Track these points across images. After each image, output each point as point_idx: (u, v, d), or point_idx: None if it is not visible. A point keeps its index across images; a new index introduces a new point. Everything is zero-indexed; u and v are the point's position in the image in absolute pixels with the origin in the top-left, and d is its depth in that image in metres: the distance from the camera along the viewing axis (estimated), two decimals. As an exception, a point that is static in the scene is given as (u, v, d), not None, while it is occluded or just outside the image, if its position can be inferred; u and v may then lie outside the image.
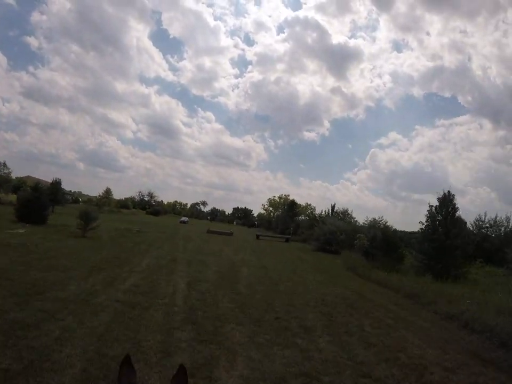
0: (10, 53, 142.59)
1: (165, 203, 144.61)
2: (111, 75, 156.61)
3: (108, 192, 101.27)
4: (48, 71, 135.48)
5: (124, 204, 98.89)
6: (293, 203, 74.54)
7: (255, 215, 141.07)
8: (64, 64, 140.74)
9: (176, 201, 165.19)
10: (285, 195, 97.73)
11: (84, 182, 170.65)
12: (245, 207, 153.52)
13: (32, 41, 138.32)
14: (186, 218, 75.21)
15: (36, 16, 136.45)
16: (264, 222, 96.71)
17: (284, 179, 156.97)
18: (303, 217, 71.43)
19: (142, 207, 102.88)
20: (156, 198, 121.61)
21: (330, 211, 52.23)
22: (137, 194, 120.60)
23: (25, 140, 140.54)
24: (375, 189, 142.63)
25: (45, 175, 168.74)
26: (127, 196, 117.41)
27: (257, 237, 45.51)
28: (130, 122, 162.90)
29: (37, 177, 71.78)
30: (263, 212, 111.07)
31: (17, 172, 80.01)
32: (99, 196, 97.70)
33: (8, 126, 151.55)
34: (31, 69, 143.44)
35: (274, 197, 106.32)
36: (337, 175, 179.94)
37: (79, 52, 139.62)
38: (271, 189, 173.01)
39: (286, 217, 67.86)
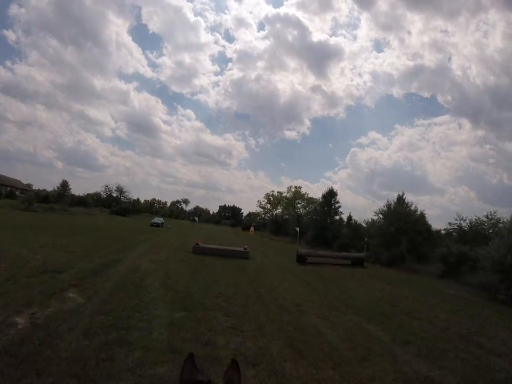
0: None
1: (142, 202, 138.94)
2: (89, 71, 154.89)
3: (64, 186, 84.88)
4: (26, 66, 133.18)
5: (82, 201, 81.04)
6: (333, 193, 49.86)
7: (244, 214, 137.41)
8: (41, 59, 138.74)
9: (154, 199, 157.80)
10: (295, 187, 79.78)
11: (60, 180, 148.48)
12: (233, 205, 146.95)
13: (10, 35, 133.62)
14: (161, 219, 58.51)
15: (14, 9, 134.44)
16: (268, 222, 78.28)
17: (265, 178, 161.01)
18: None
19: (108, 205, 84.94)
20: (126, 194, 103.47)
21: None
22: (103, 189, 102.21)
23: (2, 138, 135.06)
24: (355, 188, 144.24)
25: (22, 174, 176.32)
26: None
27: (301, 258, 24.05)
28: (109, 119, 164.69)
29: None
30: (259, 210, 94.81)
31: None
32: (53, 189, 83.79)
33: None
34: (8, 63, 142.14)
35: (273, 191, 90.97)
36: (318, 174, 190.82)
37: (57, 46, 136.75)
38: (252, 187, 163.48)
39: (322, 216, 48.59)
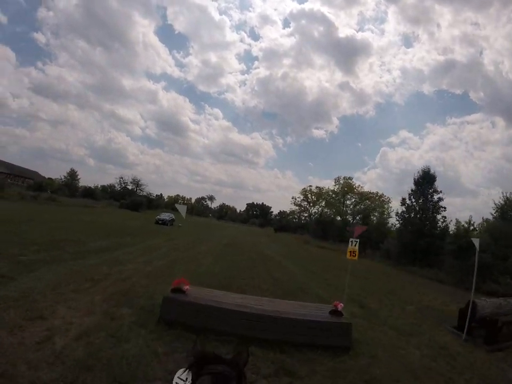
0: (19, 49, 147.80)
1: (165, 198, 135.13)
2: (118, 71, 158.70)
3: (72, 175, 75.77)
4: (56, 67, 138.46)
5: (89, 192, 71.44)
6: (430, 177, 34.12)
7: (274, 212, 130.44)
8: (71, 60, 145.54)
9: (178, 195, 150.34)
10: (345, 178, 65.17)
11: (95, 179, 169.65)
12: (262, 203, 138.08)
13: (40, 37, 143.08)
14: (170, 215, 45.90)
15: (42, 12, 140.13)
16: (310, 224, 63.19)
17: (292, 177, 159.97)
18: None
19: (121, 198, 74.46)
20: (143, 187, 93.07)
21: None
22: (118, 181, 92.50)
23: (36, 136, 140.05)
24: (386, 189, 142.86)
25: (55, 171, 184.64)
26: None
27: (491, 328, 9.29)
28: (138, 118, 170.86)
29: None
30: (293, 207, 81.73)
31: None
32: (60, 178, 78.27)
33: (18, 121, 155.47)
34: (39, 64, 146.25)
35: (310, 186, 77.89)
36: (347, 174, 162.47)
37: (86, 48, 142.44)
38: (280, 187, 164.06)
39: (416, 215, 33.33)
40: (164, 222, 40.72)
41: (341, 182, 62.91)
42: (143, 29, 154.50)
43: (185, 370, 1.46)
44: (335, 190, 63.61)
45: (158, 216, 42.90)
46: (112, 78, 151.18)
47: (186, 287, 6.94)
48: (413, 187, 33.53)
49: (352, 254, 7.94)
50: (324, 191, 67.78)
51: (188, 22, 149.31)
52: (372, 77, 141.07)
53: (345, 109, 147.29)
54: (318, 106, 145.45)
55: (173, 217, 44.65)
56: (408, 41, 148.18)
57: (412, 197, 33.53)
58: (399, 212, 34.76)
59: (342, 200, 61.63)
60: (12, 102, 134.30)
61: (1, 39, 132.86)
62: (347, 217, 56.68)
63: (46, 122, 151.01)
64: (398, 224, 35.12)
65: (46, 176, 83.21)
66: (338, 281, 14.19)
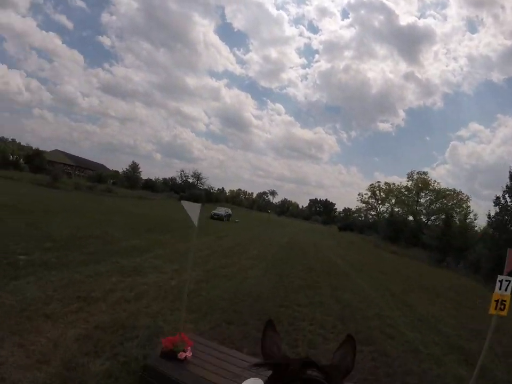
0: (86, 51, 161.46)
1: (227, 192, 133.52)
2: (181, 70, 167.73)
3: (134, 168, 76.56)
4: (123, 67, 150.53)
5: (150, 185, 71.76)
6: None
7: (338, 209, 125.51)
8: (136, 61, 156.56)
9: (239, 189, 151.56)
10: (418, 173, 57.69)
11: (161, 173, 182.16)
12: (326, 199, 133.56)
13: (105, 40, 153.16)
14: (226, 210, 44.07)
15: (105, 17, 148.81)
16: (381, 224, 54.21)
17: (357, 173, 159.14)
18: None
19: (182, 191, 74.16)
20: (204, 180, 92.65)
21: None
22: (179, 175, 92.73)
23: (105, 132, 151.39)
24: (456, 186, 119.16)
25: (124, 165, 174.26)
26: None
27: None
28: (202, 115, 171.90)
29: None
30: (360, 205, 76.17)
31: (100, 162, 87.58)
32: (124, 170, 78.83)
33: (89, 118, 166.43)
34: (106, 66, 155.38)
35: (379, 182, 72.15)
36: (415, 169, 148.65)
37: (150, 49, 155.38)
38: (344, 183, 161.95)
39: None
40: (219, 217, 38.23)
41: (415, 177, 56.35)
42: (203, 28, 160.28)
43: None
44: (408, 186, 57.21)
45: (213, 211, 40.41)
46: (176, 77, 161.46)
47: (185, 351, 3.84)
48: (509, 183, 27.51)
49: (499, 305, 4.26)
50: (394, 188, 61.86)
51: (246, 19, 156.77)
52: (437, 66, 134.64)
53: (411, 100, 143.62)
54: (383, 98, 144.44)
55: (230, 212, 42.27)
56: (472, 26, 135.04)
57: (506, 195, 27.59)
58: (490, 213, 28.30)
59: (415, 198, 55.32)
60: (82, 100, 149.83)
61: (69, 43, 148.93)
62: (421, 217, 50.62)
63: (115, 119, 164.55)
64: (489, 229, 28.85)
65: (113, 169, 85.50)
66: (430, 311, 10.39)
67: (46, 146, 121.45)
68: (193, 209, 4.51)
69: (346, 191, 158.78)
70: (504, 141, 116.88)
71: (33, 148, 61.03)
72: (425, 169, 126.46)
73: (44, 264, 8.19)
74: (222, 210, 41.25)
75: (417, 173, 56.28)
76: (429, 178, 54.75)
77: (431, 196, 52.33)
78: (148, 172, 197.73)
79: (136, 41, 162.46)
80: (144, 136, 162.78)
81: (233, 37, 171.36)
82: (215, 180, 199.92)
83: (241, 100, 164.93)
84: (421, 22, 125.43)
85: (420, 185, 53.74)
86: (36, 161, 51.61)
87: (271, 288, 9.62)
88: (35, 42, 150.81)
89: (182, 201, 4.65)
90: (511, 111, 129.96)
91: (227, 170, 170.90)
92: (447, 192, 49.19)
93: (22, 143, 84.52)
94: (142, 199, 49.27)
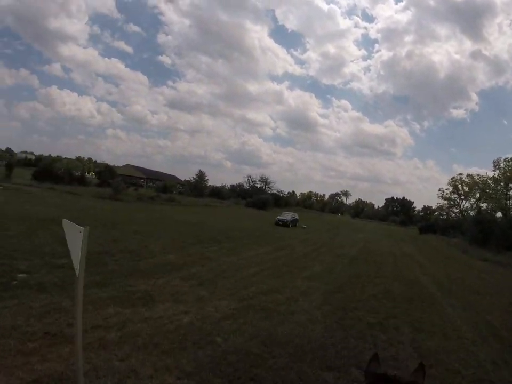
0: (149, 72, 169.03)
1: (298, 195, 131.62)
2: (242, 78, 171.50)
3: (200, 176, 77.05)
4: (185, 83, 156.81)
5: (216, 192, 71.48)
6: None
7: (417, 208, 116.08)
8: (197, 75, 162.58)
9: (310, 191, 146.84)
10: (505, 160, 48.80)
11: (232, 180, 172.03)
12: (403, 198, 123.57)
13: (165, 59, 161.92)
14: (293, 214, 40.48)
15: (161, 38, 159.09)
16: (467, 223, 46.61)
17: (434, 167, 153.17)
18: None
19: (249, 196, 73.04)
20: (271, 184, 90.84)
21: None
22: (246, 180, 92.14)
23: (176, 145, 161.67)
24: None
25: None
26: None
27: None
28: (268, 120, 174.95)
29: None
30: (441, 202, 68.79)
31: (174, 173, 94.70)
32: (192, 179, 79.86)
33: (160, 134, 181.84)
34: (170, 83, 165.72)
35: (460, 175, 64.53)
36: (495, 157, 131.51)
37: (209, 61, 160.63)
38: (421, 178, 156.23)
39: None
40: (284, 223, 35.45)
41: (502, 165, 47.59)
42: (257, 34, 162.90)
43: None
44: (496, 176, 49.04)
45: (278, 216, 37.67)
46: (238, 85, 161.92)
47: None
48: None
49: None
50: (479, 180, 54.21)
51: (299, 19, 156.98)
52: (504, 40, 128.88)
53: (483, 81, 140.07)
54: (452, 82, 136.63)
55: (296, 217, 39.30)
56: None
57: None
58: None
59: (504, 190, 47.63)
60: (151, 118, 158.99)
61: (131, 66, 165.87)
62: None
63: (184, 132, 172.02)
64: None
65: (184, 179, 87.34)
66: None
67: (121, 163, 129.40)
68: (74, 236, 2.20)
69: (424, 187, 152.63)
70: None
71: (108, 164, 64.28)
72: (508, 156, 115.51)
73: (38, 285, 7.13)
74: (287, 216, 38.42)
75: (505, 160, 47.98)
76: None
77: None
78: (219, 180, 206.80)
79: (195, 55, 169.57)
80: (213, 146, 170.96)
81: (288, 38, 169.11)
82: (286, 184, 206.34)
83: (305, 100, 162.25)
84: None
85: (508, 174, 45.77)
86: (106, 176, 53.06)
87: (324, 331, 6.73)
88: (99, 69, 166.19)
89: (63, 220, 2.39)
90: None
91: (297, 172, 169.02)
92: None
93: (98, 161, 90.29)
94: (206, 207, 48.26)
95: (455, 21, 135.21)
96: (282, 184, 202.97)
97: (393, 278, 13.87)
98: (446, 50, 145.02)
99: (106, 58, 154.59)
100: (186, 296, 7.83)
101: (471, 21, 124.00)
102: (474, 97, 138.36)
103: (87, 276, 7.62)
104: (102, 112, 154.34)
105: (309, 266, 14.02)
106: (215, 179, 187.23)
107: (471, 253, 31.45)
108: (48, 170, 45.20)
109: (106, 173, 55.97)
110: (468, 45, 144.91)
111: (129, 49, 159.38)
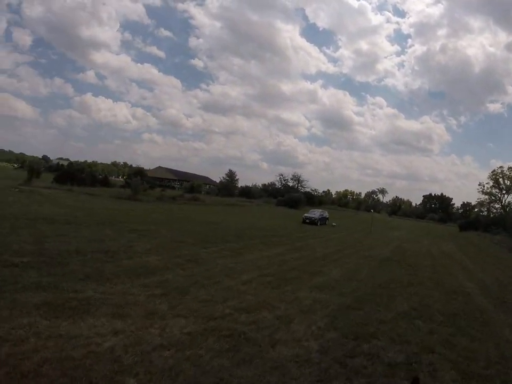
0: (182, 76, 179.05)
1: (333, 193, 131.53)
2: (275, 78, 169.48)
3: (231, 176, 75.71)
4: (219, 85, 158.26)
5: (246, 192, 69.46)
6: None
7: (456, 205, 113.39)
8: (230, 77, 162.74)
9: (346, 190, 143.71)
10: None
11: (268, 180, 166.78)
12: (441, 194, 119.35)
13: (197, 63, 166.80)
14: (322, 212, 37.24)
15: (193, 41, 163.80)
16: (506, 219, 45.94)
17: (472, 163, 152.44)
18: None
19: (280, 195, 70.47)
20: (304, 182, 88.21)
21: None
22: (278, 179, 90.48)
23: (212, 147, 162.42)
24: None
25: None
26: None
27: None
28: (303, 119, 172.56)
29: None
30: (482, 197, 64.16)
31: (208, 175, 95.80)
32: (221, 179, 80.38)
33: (195, 137, 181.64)
34: (203, 86, 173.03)
35: (501, 168, 60.29)
36: None
37: (241, 63, 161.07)
38: (459, 175, 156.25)
39: None
40: (312, 221, 32.71)
41: None
42: (289, 33, 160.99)
43: None
44: None
45: (305, 214, 34.94)
46: (271, 85, 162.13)
47: None
48: None
49: None
50: None
51: (329, 16, 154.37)
52: None
53: None
54: (488, 76, 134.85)
55: (326, 215, 36.40)
56: None
57: None
58: None
59: None
60: (186, 121, 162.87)
61: (164, 71, 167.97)
62: None
63: (219, 134, 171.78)
64: None
65: (217, 181, 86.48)
66: None
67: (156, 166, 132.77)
68: None
69: (462, 183, 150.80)
70: None
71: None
72: None
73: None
74: (316, 213, 35.41)
75: None
76: None
77: None
78: (256, 181, 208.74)
79: (227, 57, 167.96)
80: (249, 147, 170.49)
81: (320, 37, 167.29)
82: (322, 183, 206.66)
83: (339, 98, 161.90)
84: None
85: None
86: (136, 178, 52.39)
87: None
88: (133, 75, 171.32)
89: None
90: None
91: (334, 172, 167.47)
92: None
93: (133, 165, 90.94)
94: (233, 206, 46.28)
95: (488, 12, 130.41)
96: (319, 183, 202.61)
97: (431, 286, 11.10)
98: (480, 43, 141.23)
99: (139, 64, 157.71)
100: (135, 310, 5.87)
101: (504, 11, 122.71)
102: (511, 90, 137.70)
103: (35, 276, 7.08)
104: (137, 117, 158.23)
105: (325, 271, 11.49)
106: (251, 180, 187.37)
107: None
108: (70, 173, 44.64)
109: (136, 176, 55.34)
110: (503, 36, 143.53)
111: (161, 54, 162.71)
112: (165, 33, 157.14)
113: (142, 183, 39.47)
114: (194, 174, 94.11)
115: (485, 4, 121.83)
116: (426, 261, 17.08)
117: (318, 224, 32.89)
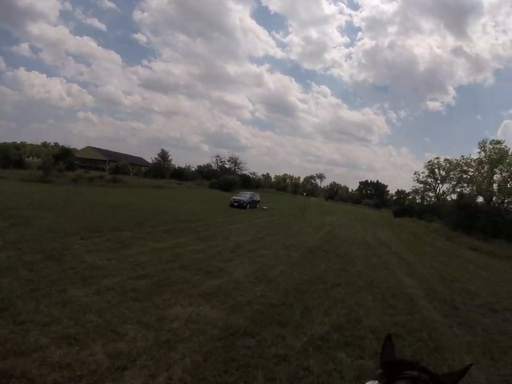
0: (123, 51, 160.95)
1: (273, 177, 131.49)
2: (221, 59, 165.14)
3: (163, 156, 71.06)
4: (161, 62, 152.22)
5: (178, 173, 65.35)
6: None
7: (390, 192, 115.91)
8: (174, 54, 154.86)
9: (285, 174, 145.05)
10: (493, 141, 43.38)
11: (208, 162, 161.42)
12: (377, 181, 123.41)
13: (141, 37, 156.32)
14: (252, 195, 34.13)
15: (137, 15, 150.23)
16: (440, 208, 44.96)
17: (408, 154, 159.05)
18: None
19: (216, 178, 66.98)
20: (242, 165, 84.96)
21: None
22: (214, 160, 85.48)
23: (152, 127, 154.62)
24: None
25: (172, 157, 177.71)
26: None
27: None
28: (247, 102, 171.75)
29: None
30: (417, 185, 65.32)
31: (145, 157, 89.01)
32: (153, 160, 75.20)
33: (133, 116, 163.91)
34: (145, 62, 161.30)
35: (437, 159, 60.87)
36: (467, 150, 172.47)
37: (187, 40, 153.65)
38: (395, 165, 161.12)
39: None
40: (240, 204, 29.85)
41: (488, 147, 42.69)
42: (239, 14, 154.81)
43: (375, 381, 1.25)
44: (482, 158, 43.82)
45: (234, 197, 31.98)
46: (217, 66, 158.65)
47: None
48: None
49: None
50: (463, 162, 49.15)
51: (283, 1, 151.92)
52: (486, 40, 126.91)
53: (461, 77, 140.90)
54: (432, 75, 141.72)
55: (257, 198, 33.74)
56: None
57: None
58: None
59: (489, 173, 42.45)
60: (124, 99, 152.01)
61: (104, 45, 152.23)
62: (495, 199, 39.15)
63: (159, 114, 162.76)
64: None
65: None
66: None
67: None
68: None
69: (398, 173, 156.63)
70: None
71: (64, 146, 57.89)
72: (477, 149, 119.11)
73: None
74: (245, 196, 32.48)
75: (491, 142, 43.19)
76: (507, 148, 42.06)
77: (507, 171, 39.77)
78: (196, 163, 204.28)
79: (172, 34, 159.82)
80: (190, 128, 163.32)
81: (270, 20, 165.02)
82: (264, 168, 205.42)
83: (285, 84, 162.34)
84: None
85: (493, 156, 41.03)
86: (60, 159, 46.76)
87: None
88: (71, 48, 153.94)
89: None
90: None
91: (276, 157, 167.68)
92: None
93: (65, 146, 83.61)
94: (159, 188, 42.03)
95: (441, 16, 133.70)
96: (261, 168, 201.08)
97: (364, 287, 8.72)
98: (428, 44, 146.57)
99: (77, 37, 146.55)
100: None
101: (456, 17, 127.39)
102: (452, 91, 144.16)
103: None
104: (72, 94, 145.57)
105: (228, 269, 8.75)
106: (193, 163, 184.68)
107: (455, 240, 27.02)
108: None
109: (61, 156, 49.66)
110: (451, 40, 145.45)
111: (102, 26, 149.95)
112: (108, 4, 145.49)
113: (56, 164, 34.86)
114: (127, 155, 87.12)
115: (439, 7, 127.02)
116: (359, 251, 14.88)
117: (247, 207, 30.20)
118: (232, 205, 29.89)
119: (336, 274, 9.70)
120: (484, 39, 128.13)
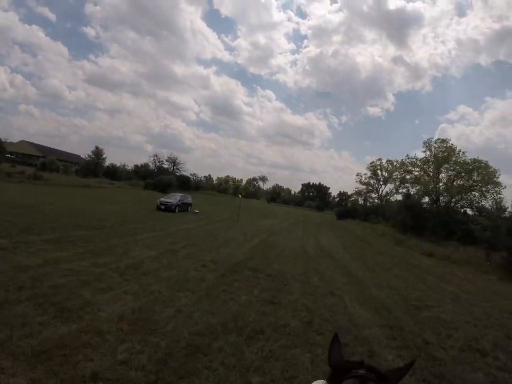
0: (70, 43, 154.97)
1: (215, 179, 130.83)
2: (169, 59, 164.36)
3: (97, 154, 66.00)
4: (108, 58, 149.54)
5: (111, 172, 60.77)
6: None
7: (333, 194, 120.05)
8: (122, 51, 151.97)
9: (228, 175, 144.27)
10: (441, 140, 42.83)
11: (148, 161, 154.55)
12: (319, 183, 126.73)
13: (90, 31, 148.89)
14: (183, 197, 30.80)
15: (89, 7, 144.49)
16: (384, 209, 44.72)
17: (349, 157, 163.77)
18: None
19: (152, 178, 62.57)
20: (181, 165, 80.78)
21: None
22: (152, 160, 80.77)
23: (94, 125, 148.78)
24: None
25: (116, 157, 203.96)
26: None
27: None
28: (192, 104, 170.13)
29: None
30: (359, 187, 65.29)
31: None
32: (85, 157, 69.86)
33: (76, 112, 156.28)
34: (91, 57, 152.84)
35: (380, 160, 61.51)
36: (405, 153, 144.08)
37: (136, 38, 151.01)
38: (336, 168, 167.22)
39: None
40: (168, 207, 26.72)
41: (433, 146, 40.99)
42: (190, 15, 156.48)
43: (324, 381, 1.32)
44: (427, 158, 43.27)
45: (161, 199, 28.58)
46: (164, 65, 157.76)
47: None
48: None
49: None
50: (408, 161, 48.02)
51: (234, 5, 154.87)
52: (426, 50, 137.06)
53: (400, 84, 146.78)
54: (372, 82, 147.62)
55: (188, 200, 30.50)
56: (461, 10, 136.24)
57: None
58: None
59: (436, 173, 41.72)
60: (68, 94, 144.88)
61: (52, 36, 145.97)
62: (441, 198, 39.03)
63: (103, 112, 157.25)
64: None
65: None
66: None
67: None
68: None
69: (339, 176, 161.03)
70: (492, 122, 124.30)
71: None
72: (415, 152, 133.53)
73: None
74: (174, 198, 29.34)
75: (436, 141, 42.54)
76: (453, 146, 41.65)
77: (454, 169, 39.60)
78: (136, 163, 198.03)
79: (122, 30, 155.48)
80: (134, 128, 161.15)
81: (221, 24, 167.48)
82: (207, 170, 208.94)
83: (231, 88, 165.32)
84: (410, 6, 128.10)
85: (440, 154, 40.60)
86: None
87: None
88: (18, 37, 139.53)
89: None
90: (498, 93, 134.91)
91: (221, 159, 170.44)
92: (477, 164, 37.05)
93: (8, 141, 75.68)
94: (85, 188, 37.70)
95: (384, 27, 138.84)
96: (205, 170, 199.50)
97: (300, 334, 5.87)
98: (370, 53, 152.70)
99: (26, 25, 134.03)
100: None
101: (398, 29, 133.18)
102: (391, 97, 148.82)
103: None
104: (15, 85, 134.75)
105: (95, 304, 5.67)
106: (134, 162, 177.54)
107: (406, 244, 25.59)
108: None
109: None
110: (392, 50, 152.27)
111: (52, 16, 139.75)
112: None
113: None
114: (64, 151, 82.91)
115: (382, 19, 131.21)
116: (297, 267, 12.16)
117: (176, 210, 27.10)
118: (159, 208, 26.61)
119: (261, 310, 6.83)
120: (423, 49, 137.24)
